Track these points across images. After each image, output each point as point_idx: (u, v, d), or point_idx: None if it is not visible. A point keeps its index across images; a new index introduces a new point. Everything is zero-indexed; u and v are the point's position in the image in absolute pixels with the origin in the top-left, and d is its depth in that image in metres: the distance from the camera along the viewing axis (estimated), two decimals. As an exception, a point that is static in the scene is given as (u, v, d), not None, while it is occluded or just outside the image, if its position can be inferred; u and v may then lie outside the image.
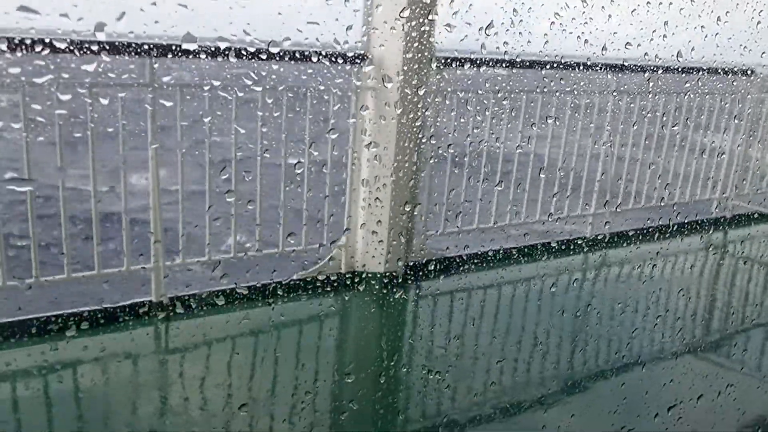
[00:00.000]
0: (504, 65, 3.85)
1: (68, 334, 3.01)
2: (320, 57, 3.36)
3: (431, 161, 3.99)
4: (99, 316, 3.11)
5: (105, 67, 2.76)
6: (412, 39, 3.40)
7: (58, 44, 2.40)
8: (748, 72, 5.16)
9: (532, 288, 4.14)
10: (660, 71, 4.70)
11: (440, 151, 4.01)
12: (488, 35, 1.73)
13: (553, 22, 1.81)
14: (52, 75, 2.62)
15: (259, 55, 3.14)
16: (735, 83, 5.23)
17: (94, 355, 2.96)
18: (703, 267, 4.86)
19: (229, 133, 3.31)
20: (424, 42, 3.45)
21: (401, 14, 2.99)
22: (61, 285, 3.10)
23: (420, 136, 3.68)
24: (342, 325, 3.56)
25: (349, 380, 2.87)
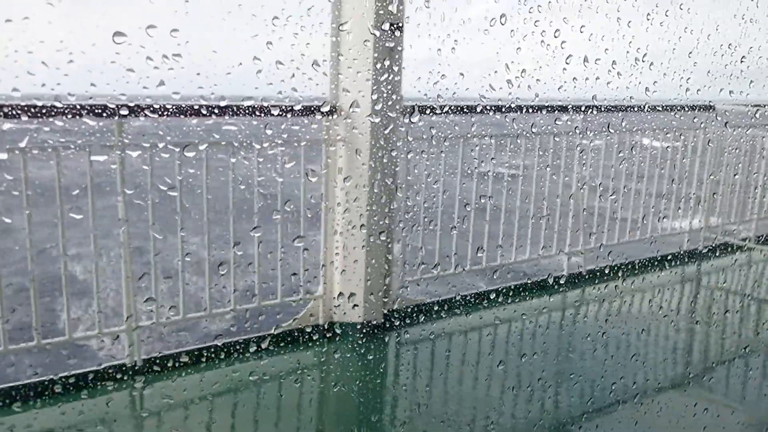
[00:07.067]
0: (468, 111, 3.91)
1: (41, 402, 2.96)
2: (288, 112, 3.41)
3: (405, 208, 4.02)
4: (72, 381, 3.06)
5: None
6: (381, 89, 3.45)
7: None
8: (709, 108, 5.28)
9: (513, 329, 4.14)
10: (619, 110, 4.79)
11: (413, 201, 4.04)
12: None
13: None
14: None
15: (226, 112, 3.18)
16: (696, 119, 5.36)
17: (70, 422, 2.91)
18: (680, 299, 4.90)
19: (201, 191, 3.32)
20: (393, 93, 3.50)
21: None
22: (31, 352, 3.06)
23: (393, 185, 3.71)
24: (322, 378, 3.53)
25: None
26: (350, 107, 3.52)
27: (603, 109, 4.28)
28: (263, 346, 3.59)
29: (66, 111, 2.66)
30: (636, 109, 4.41)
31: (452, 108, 3.86)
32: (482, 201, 4.28)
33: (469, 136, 4.17)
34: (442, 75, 1.73)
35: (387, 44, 3.24)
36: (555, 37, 1.78)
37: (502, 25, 1.67)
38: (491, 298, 4.37)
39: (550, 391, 3.33)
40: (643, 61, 2.12)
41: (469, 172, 4.22)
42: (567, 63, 1.83)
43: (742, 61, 2.40)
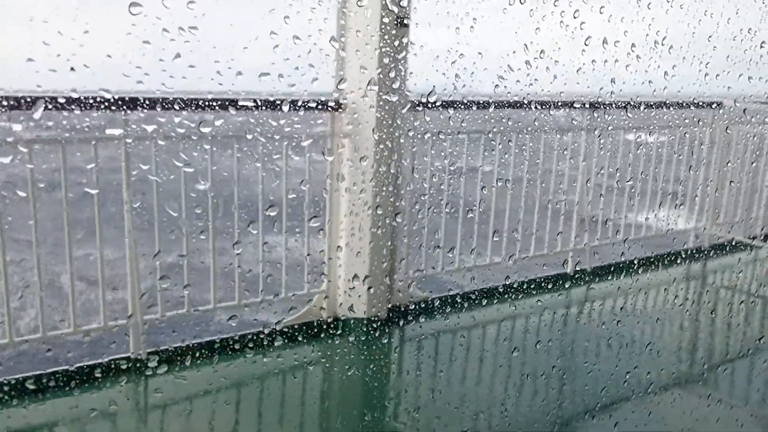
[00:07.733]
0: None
1: (45, 394, 2.95)
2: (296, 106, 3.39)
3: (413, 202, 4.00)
4: (76, 374, 3.05)
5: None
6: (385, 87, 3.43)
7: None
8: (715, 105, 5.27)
9: (517, 326, 4.12)
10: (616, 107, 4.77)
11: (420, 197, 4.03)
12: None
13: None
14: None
15: (237, 105, 3.16)
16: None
17: (75, 416, 2.89)
18: (685, 298, 4.88)
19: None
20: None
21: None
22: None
23: (398, 179, 3.70)
24: (326, 373, 3.51)
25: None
26: (368, 86, 3.43)
27: (610, 106, 4.28)
28: (267, 341, 3.57)
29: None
30: (641, 106, 4.40)
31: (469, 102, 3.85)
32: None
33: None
34: (461, 54, 1.71)
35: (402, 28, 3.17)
36: (574, 17, 1.77)
37: (522, 4, 1.66)
38: (497, 294, 4.36)
39: (557, 388, 3.32)
40: (662, 45, 2.11)
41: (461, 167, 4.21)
42: (586, 45, 1.82)
43: (761, 47, 2.38)
